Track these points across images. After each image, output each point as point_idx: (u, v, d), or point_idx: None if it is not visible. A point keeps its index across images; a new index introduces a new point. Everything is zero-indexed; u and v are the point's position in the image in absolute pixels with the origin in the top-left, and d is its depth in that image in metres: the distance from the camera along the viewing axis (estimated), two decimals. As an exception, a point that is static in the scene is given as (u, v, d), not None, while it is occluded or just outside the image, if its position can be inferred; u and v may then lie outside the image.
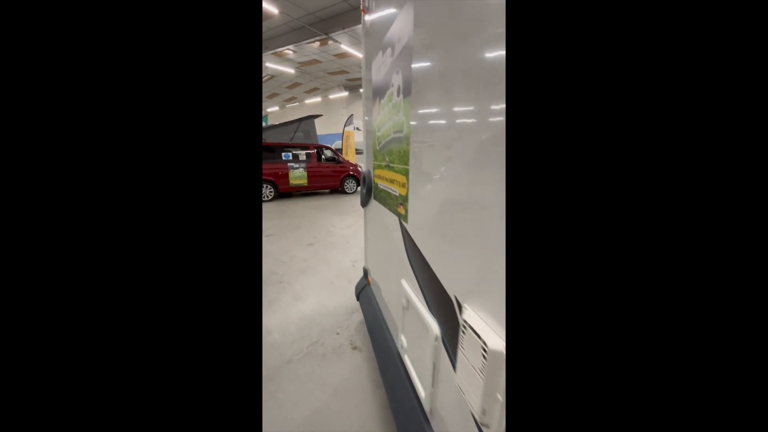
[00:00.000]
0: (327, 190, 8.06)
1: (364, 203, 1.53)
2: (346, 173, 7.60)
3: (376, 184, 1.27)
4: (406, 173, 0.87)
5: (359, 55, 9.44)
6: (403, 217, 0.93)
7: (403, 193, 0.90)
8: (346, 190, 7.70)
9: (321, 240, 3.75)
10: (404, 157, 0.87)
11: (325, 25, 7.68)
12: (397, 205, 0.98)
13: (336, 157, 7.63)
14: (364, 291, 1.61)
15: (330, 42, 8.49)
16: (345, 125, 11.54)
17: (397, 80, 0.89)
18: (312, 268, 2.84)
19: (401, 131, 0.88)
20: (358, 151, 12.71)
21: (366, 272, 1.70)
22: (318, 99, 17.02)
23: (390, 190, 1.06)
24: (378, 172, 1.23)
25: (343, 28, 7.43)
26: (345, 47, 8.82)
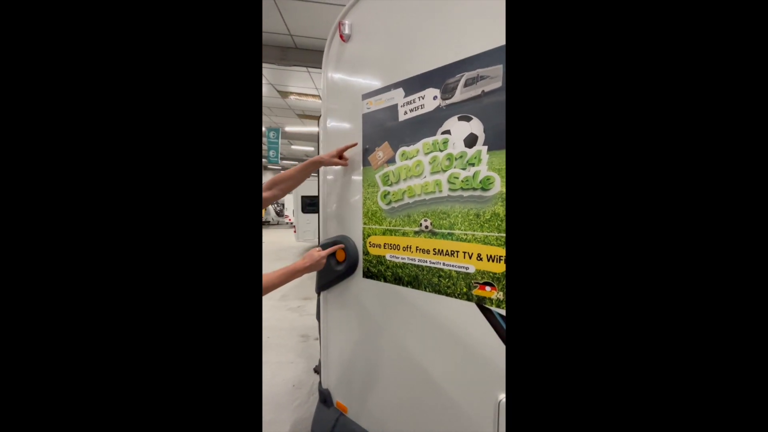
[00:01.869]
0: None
1: (328, 285, 1.06)
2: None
3: (381, 257, 0.92)
4: (503, 243, 0.66)
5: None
6: (495, 303, 0.68)
7: (496, 269, 0.67)
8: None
9: None
10: (494, 222, 0.67)
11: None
12: (473, 284, 0.72)
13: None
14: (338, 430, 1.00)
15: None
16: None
17: (462, 128, 0.72)
18: None
19: (484, 189, 0.68)
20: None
21: (327, 396, 1.10)
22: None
23: (440, 266, 0.78)
24: (387, 239, 0.90)
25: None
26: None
